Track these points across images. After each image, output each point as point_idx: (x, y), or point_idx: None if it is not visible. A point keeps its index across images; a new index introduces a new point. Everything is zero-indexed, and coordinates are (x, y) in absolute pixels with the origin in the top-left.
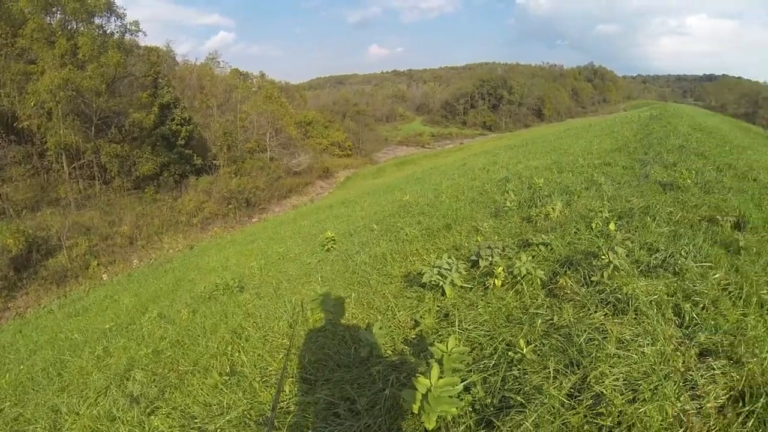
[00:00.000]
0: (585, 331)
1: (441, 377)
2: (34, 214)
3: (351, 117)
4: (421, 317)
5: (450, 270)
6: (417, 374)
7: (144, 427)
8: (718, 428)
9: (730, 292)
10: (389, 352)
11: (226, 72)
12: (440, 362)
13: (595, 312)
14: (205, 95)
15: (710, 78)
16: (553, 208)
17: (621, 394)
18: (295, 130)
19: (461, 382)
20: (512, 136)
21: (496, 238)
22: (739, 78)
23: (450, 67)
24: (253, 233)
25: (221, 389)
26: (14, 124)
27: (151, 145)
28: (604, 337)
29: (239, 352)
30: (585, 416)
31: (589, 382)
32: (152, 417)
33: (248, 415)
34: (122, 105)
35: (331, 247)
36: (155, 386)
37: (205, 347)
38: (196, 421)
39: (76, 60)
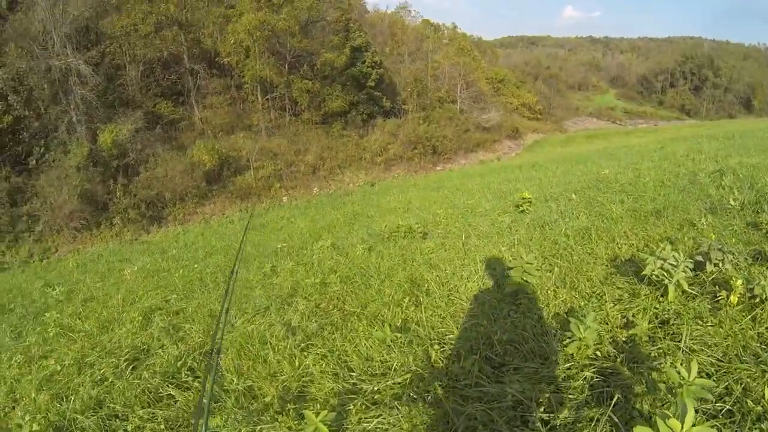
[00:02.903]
0: None
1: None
2: (228, 137)
3: (543, 80)
4: (633, 316)
5: (677, 266)
6: (658, 407)
7: (294, 362)
8: None
9: None
10: (597, 353)
11: (417, 22)
12: (671, 390)
13: None
14: (396, 42)
15: None
16: None
17: None
18: (487, 86)
19: None
20: (713, 126)
21: (714, 238)
22: None
23: (649, 38)
24: (437, 180)
25: (389, 345)
26: (216, 60)
27: (341, 84)
28: None
29: (416, 306)
30: None
31: None
32: (305, 353)
33: (416, 385)
34: (314, 46)
35: (527, 209)
36: (316, 321)
37: (377, 291)
38: (352, 373)
39: (272, 4)
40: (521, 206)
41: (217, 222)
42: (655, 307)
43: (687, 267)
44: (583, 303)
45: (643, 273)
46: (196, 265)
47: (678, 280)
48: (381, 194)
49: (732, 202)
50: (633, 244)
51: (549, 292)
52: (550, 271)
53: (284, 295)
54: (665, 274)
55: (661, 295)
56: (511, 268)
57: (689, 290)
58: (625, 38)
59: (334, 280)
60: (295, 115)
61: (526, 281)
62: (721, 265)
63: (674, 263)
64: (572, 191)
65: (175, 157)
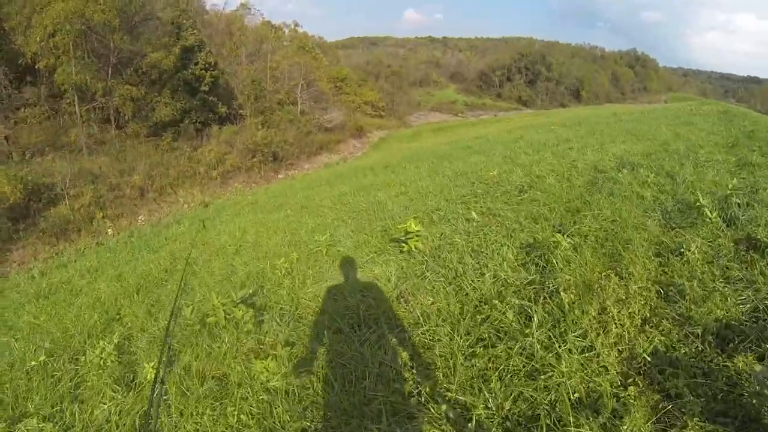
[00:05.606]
0: None
1: None
2: (43, 159)
3: (385, 78)
4: None
5: None
6: None
7: None
8: None
9: None
10: None
11: (257, 22)
12: None
13: None
14: (234, 43)
15: (755, 80)
16: None
17: None
18: (328, 85)
19: None
20: (551, 114)
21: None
22: None
23: (486, 38)
24: (279, 194)
25: None
26: (19, 62)
27: (172, 89)
28: None
29: None
30: None
31: None
32: None
33: None
34: (143, 47)
35: (414, 246)
36: None
37: None
38: None
39: None
40: (405, 244)
41: (15, 279)
42: None
43: None
44: None
45: None
46: None
47: None
48: (213, 220)
49: (708, 213)
50: (633, 315)
51: None
52: None
53: None
54: None
55: None
56: None
57: None
58: (463, 38)
59: None
60: (119, 128)
61: None
62: None
63: None
64: (460, 202)
65: None
